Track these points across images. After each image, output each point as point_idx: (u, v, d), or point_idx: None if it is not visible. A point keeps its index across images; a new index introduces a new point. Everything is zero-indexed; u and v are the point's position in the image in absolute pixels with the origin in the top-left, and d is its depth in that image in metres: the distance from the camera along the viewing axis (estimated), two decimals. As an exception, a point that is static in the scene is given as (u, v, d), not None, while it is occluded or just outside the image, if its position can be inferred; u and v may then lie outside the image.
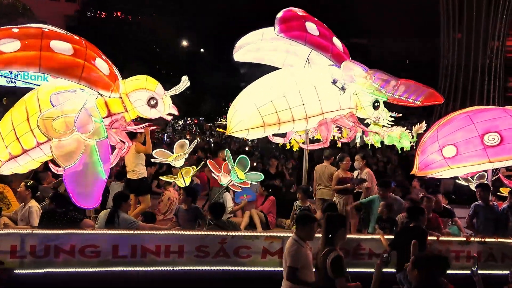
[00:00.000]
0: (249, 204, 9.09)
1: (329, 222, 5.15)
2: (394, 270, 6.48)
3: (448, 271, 4.34)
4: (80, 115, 6.31)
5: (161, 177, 8.27)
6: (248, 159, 7.81)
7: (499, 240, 7.42)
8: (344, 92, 7.64)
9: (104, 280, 6.53)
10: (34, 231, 6.45)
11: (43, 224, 6.67)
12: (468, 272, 5.17)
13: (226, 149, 8.63)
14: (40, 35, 6.48)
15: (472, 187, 8.81)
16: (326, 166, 9.35)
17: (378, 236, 7.06)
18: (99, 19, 36.87)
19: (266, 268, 6.81)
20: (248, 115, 7.54)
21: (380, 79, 7.24)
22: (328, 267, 4.87)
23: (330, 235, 5.07)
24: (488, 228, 7.82)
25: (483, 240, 7.35)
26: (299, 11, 7.68)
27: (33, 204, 7.20)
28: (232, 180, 7.70)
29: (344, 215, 6.28)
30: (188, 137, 38.32)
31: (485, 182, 8.62)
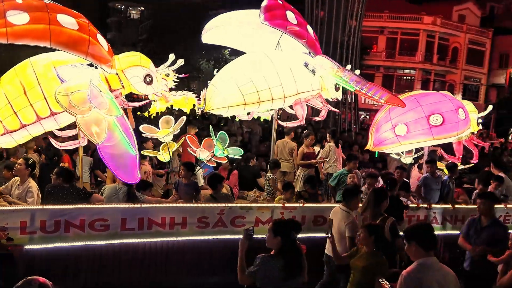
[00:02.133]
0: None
1: (376, 196, 6.01)
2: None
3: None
4: (92, 91, 6.38)
5: (142, 152, 8.45)
6: (227, 135, 8.32)
7: (441, 205, 8.82)
8: (314, 74, 8.42)
9: (113, 253, 6.75)
10: (45, 207, 6.43)
11: (51, 199, 6.64)
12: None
13: (210, 125, 9.00)
14: (45, 7, 6.40)
15: (403, 160, 10.16)
16: (286, 142, 10.14)
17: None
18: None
19: (259, 236, 7.43)
20: (229, 93, 8.00)
21: (349, 74, 8.08)
22: (386, 231, 5.71)
23: (377, 206, 5.93)
24: (433, 196, 9.21)
25: (429, 206, 8.69)
26: (280, 0, 8.24)
27: (33, 184, 7.07)
28: (212, 155, 8.18)
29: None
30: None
31: (413, 156, 10.04)
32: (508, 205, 8.94)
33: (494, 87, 48.58)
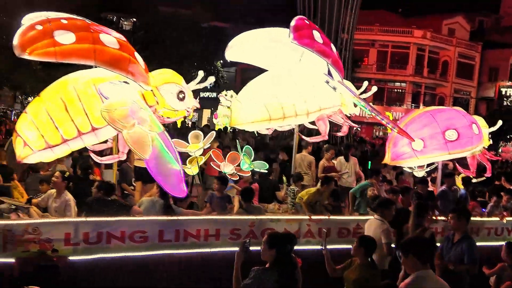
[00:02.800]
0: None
1: (419, 208, 6.36)
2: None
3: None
4: (132, 108, 6.64)
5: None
6: (252, 149, 8.61)
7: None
8: (335, 90, 8.76)
9: (151, 263, 6.99)
10: (88, 219, 6.67)
11: (93, 212, 6.87)
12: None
13: (238, 139, 9.29)
14: (88, 27, 6.68)
15: (416, 174, 10.52)
16: (305, 155, 10.47)
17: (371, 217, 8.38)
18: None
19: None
20: (254, 109, 8.31)
21: (365, 103, 8.46)
22: None
23: (419, 218, 6.27)
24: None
25: (447, 219, 9.01)
26: (307, 20, 8.58)
27: (70, 197, 7.32)
28: (238, 169, 8.46)
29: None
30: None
31: (426, 169, 10.40)
32: (507, 218, 9.30)
33: (484, 100, 49.42)
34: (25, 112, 7.16)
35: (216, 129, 21.08)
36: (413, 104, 47.44)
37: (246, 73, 56.93)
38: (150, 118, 6.74)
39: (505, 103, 46.43)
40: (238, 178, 9.10)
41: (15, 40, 6.05)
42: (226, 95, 21.61)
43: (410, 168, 10.50)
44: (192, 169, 8.40)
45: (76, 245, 6.56)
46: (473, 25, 52.94)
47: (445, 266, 6.19)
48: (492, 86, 49.02)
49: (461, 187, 10.07)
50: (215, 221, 7.36)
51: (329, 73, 8.85)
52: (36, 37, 6.20)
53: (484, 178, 11.00)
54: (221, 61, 50.54)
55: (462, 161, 10.33)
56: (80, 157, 10.17)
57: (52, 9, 7.11)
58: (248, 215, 7.58)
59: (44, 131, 6.89)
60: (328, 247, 6.49)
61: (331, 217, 8.11)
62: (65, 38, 6.29)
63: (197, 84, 7.88)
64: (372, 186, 9.29)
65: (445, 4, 55.86)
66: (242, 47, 9.25)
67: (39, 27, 6.30)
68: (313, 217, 7.92)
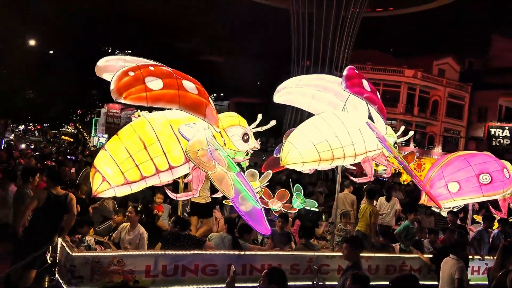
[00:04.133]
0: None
1: (505, 251, 6.93)
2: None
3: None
4: (210, 149, 7.16)
5: (224, 201, 9.13)
6: (301, 188, 9.14)
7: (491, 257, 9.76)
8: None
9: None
10: (167, 252, 7.11)
11: (170, 245, 7.31)
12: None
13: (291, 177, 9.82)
14: (172, 74, 7.24)
15: (443, 213, 11.13)
16: (347, 194, 11.04)
17: (416, 255, 8.95)
18: None
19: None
20: (305, 150, 8.86)
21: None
22: (508, 282, 6.48)
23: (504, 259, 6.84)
24: (485, 248, 10.17)
25: (482, 258, 9.62)
26: (356, 70, 9.25)
27: (143, 230, 7.76)
28: (289, 206, 8.98)
29: None
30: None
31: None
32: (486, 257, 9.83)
33: (473, 139, 50.60)
34: (104, 149, 7.61)
35: None
36: (403, 142, 48.30)
37: (239, 107, 57.80)
38: (225, 159, 7.25)
39: (493, 143, 47.67)
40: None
41: (112, 85, 6.59)
42: (139, 116, 21.29)
43: (437, 208, 11.11)
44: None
45: (155, 277, 6.98)
46: (463, 66, 54.58)
47: None
48: (481, 126, 50.31)
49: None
50: (278, 257, 7.84)
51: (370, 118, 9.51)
52: (129, 83, 6.75)
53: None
54: (214, 95, 51.31)
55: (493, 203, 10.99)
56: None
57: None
58: (308, 252, 8.07)
59: (124, 168, 7.32)
60: (376, 283, 7.10)
61: (378, 254, 8.63)
62: (155, 84, 6.84)
63: (256, 126, 8.42)
64: (412, 226, 9.90)
65: (435, 45, 57.68)
66: (288, 91, 9.90)
67: (132, 74, 6.85)
68: (364, 254, 8.43)
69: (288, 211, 9.41)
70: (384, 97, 50.29)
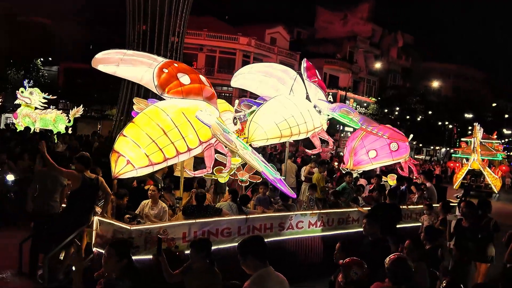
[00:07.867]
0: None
1: None
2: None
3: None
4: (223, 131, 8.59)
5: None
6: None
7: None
8: (320, 113, 11.47)
9: (232, 253, 8.96)
10: (197, 221, 8.46)
11: (194, 215, 8.62)
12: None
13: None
14: (193, 70, 8.50)
15: (355, 174, 13.78)
16: (291, 164, 13.09)
17: (357, 209, 11.33)
18: None
19: (311, 235, 10.27)
20: (269, 128, 10.63)
21: (360, 116, 11.34)
22: None
23: None
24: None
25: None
26: (309, 62, 11.16)
27: (164, 204, 8.93)
28: (251, 176, 10.77)
29: None
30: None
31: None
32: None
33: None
34: (123, 135, 8.52)
35: (18, 129, 20.79)
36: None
37: (69, 72, 55.56)
38: (236, 140, 8.72)
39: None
40: (248, 183, 11.37)
41: (155, 81, 7.72)
42: (22, 92, 21.66)
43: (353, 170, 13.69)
44: (223, 179, 10.50)
45: (189, 242, 8.30)
46: (292, 35, 58.98)
47: None
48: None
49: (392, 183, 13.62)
50: (270, 218, 9.61)
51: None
52: (168, 79, 7.92)
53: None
54: (41, 59, 48.99)
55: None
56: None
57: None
58: (288, 212, 10.00)
59: (149, 151, 8.41)
60: (332, 232, 9.46)
61: (330, 210, 10.88)
62: (185, 79, 8.10)
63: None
64: (348, 186, 12.40)
65: (267, 15, 61.27)
66: (243, 77, 11.51)
67: (166, 70, 8.00)
68: (324, 211, 10.60)
69: (255, 181, 11.22)
70: (220, 63, 52.71)
